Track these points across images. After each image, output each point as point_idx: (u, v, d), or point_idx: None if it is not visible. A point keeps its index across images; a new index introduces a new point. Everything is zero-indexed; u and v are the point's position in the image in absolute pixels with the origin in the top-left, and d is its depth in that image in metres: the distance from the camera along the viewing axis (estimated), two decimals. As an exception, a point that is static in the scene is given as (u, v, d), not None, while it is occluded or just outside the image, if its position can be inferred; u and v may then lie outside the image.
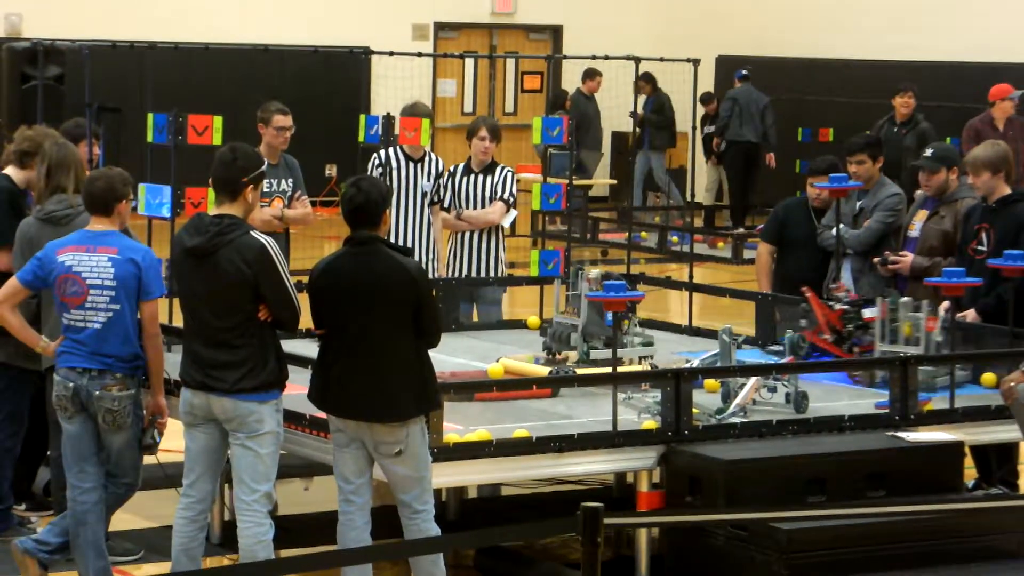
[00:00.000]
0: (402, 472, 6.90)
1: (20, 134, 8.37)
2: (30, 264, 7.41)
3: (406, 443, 6.85)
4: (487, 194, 10.40)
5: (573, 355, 8.52)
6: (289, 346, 7.32)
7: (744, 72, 20.35)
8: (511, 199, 10.43)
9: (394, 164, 10.30)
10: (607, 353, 8.35)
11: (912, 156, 14.84)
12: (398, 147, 10.31)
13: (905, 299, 8.40)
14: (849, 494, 7.34)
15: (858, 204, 9.89)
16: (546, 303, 10.19)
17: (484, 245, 10.43)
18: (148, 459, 7.55)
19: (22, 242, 7.85)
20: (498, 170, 10.46)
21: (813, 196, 9.96)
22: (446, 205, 10.43)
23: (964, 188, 9.43)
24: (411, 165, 10.32)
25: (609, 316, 8.38)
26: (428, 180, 10.32)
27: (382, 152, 10.38)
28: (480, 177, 10.43)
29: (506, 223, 10.50)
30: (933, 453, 7.67)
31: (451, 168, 10.56)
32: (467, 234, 10.42)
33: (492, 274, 10.41)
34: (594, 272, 8.60)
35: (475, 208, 10.39)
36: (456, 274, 10.40)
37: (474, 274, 10.40)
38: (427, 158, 10.34)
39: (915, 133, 15.70)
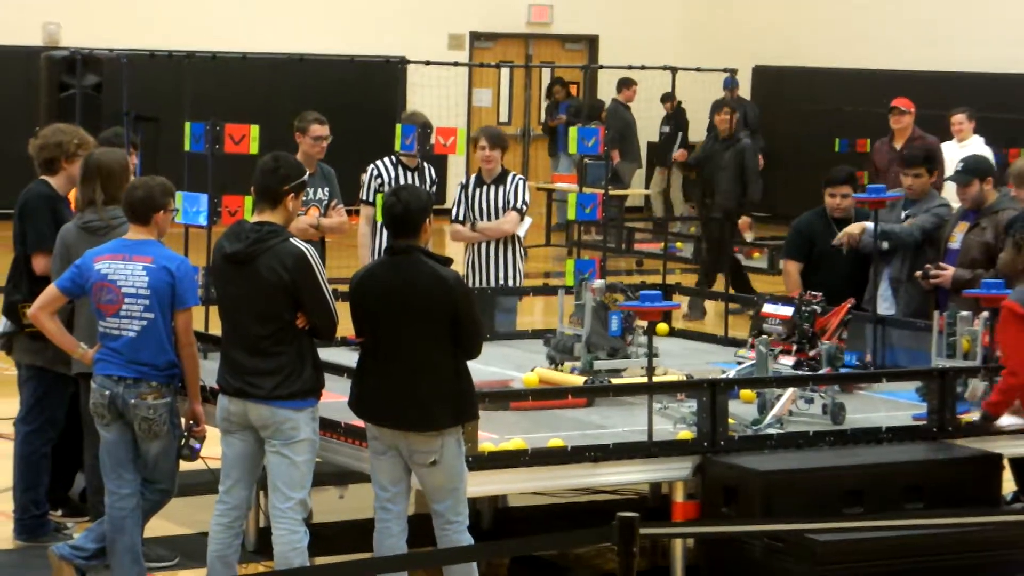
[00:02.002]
0: (436, 482, 6.90)
1: (33, 147, 8.35)
2: (69, 271, 7.44)
3: (441, 453, 6.85)
4: (500, 204, 10.37)
5: (575, 365, 8.47)
6: (326, 354, 7.33)
7: (735, 80, 20.15)
8: (523, 207, 10.42)
9: (392, 175, 10.32)
10: (610, 363, 8.34)
11: (729, 174, 14.45)
12: (393, 157, 10.34)
13: (964, 313, 8.31)
14: (886, 506, 7.31)
15: (904, 214, 9.82)
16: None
17: (501, 255, 10.42)
18: (195, 463, 7.56)
19: (60, 247, 7.89)
20: (509, 179, 10.43)
21: (833, 207, 9.86)
22: (461, 218, 10.42)
23: (1005, 199, 9.38)
24: (408, 174, 10.33)
25: (613, 326, 8.38)
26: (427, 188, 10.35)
27: (378, 163, 10.42)
28: (492, 188, 10.40)
29: (521, 232, 10.49)
30: (971, 465, 7.63)
31: (462, 181, 10.55)
32: (483, 244, 10.41)
33: (509, 283, 10.40)
34: (598, 282, 8.57)
35: (489, 219, 10.38)
36: (474, 284, 10.38)
37: (491, 283, 10.38)
38: (422, 166, 10.35)
39: (734, 151, 14.71)
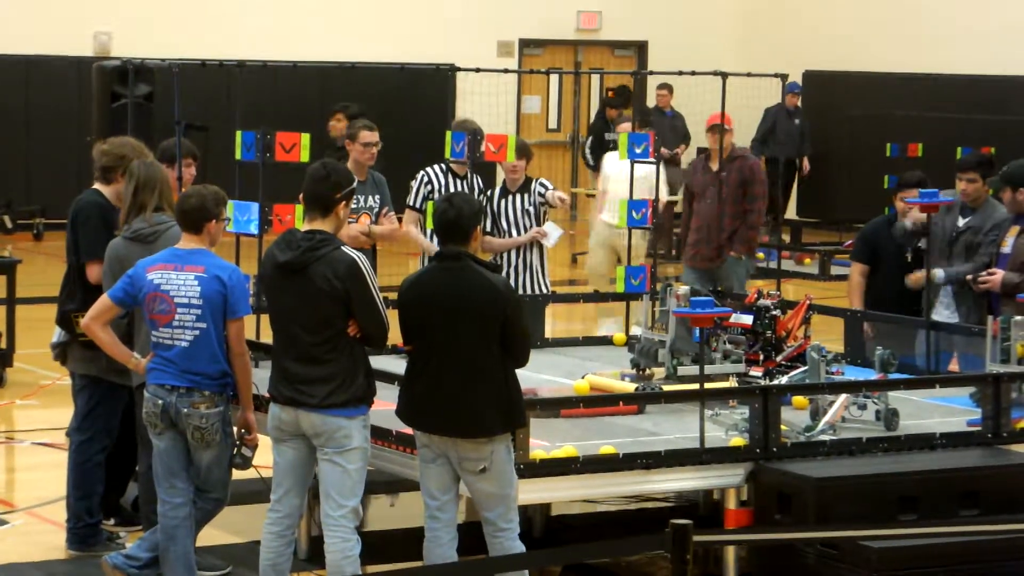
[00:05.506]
0: (486, 489, 6.89)
1: (97, 150, 8.43)
2: (121, 282, 7.47)
3: (491, 460, 6.84)
4: (527, 209, 10.43)
5: (660, 371, 8.48)
6: (376, 362, 7.33)
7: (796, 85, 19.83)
8: (556, 194, 10.43)
9: (442, 182, 10.34)
10: (695, 369, 8.29)
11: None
12: (444, 165, 10.34)
13: (1018, 318, 8.26)
14: (941, 513, 7.25)
15: (962, 221, 9.78)
16: (632, 319, 10.16)
17: (526, 260, 10.41)
18: (248, 471, 7.58)
19: (111, 261, 7.91)
20: (533, 185, 10.50)
21: (903, 210, 9.91)
22: (488, 229, 10.41)
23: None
24: (457, 182, 10.34)
25: (697, 332, 8.34)
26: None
27: (428, 170, 10.44)
28: (517, 197, 10.48)
29: (550, 243, 10.42)
30: (1027, 472, 7.57)
31: (488, 192, 10.56)
32: (511, 253, 10.41)
33: (533, 289, 10.39)
34: (682, 288, 8.56)
35: (518, 227, 10.38)
36: None
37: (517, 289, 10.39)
38: (471, 175, 10.36)
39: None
